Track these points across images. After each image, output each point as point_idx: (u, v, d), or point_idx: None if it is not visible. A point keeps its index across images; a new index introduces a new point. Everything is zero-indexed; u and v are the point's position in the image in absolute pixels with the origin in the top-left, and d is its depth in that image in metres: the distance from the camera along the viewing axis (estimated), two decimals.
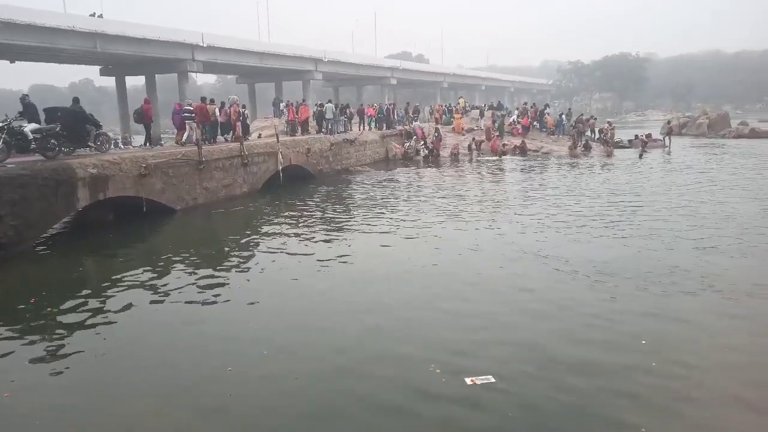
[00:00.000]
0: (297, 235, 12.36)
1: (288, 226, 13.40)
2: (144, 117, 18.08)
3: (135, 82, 66.54)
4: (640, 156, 26.59)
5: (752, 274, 8.52)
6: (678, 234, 11.09)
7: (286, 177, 19.55)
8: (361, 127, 28.66)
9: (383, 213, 14.39)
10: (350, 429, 4.97)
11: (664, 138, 31.93)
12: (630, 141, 31.82)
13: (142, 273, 9.66)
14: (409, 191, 18.05)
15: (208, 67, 48.66)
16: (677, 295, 7.77)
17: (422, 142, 28.69)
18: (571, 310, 7.33)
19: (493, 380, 5.57)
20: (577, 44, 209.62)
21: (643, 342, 6.36)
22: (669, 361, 5.90)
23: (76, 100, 14.82)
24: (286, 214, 15.08)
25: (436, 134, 29.27)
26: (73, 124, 13.88)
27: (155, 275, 9.53)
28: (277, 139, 19.81)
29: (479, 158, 27.61)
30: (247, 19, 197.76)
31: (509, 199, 16.03)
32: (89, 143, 14.47)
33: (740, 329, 6.70)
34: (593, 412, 5.03)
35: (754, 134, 36.82)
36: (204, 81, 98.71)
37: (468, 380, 5.59)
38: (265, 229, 13.33)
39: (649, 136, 32.70)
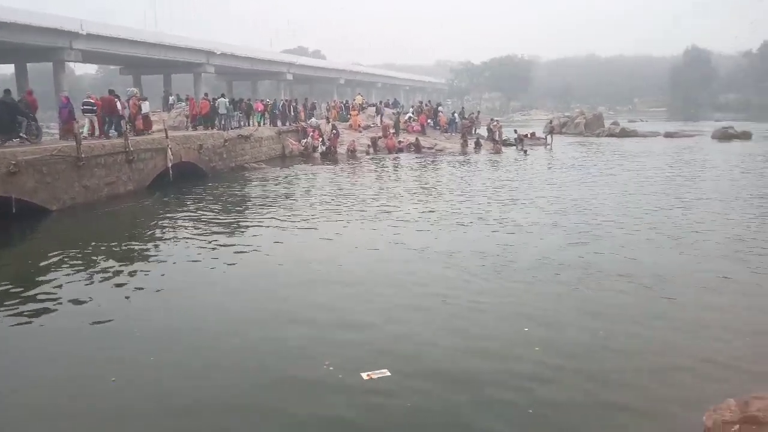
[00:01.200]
0: (185, 236, 11.85)
1: (176, 226, 12.82)
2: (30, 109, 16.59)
3: (3, 70, 60.65)
4: (525, 153, 28.19)
5: (619, 265, 9.32)
6: (556, 226, 11.90)
7: (176, 174, 18.68)
8: (251, 123, 27.92)
9: (278, 210, 14.18)
10: (243, 428, 4.87)
11: (546, 136, 34.04)
12: (515, 139, 33.61)
13: (4, 280, 8.85)
14: (304, 188, 17.93)
15: (89, 57, 45.36)
16: (555, 284, 8.32)
17: (319, 139, 28.57)
18: (459, 304, 7.62)
19: (388, 374, 5.67)
20: (468, 45, 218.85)
21: (526, 329, 6.76)
22: (552, 348, 6.31)
23: (7, 92, 14.90)
24: (175, 213, 14.42)
25: (333, 131, 29.26)
26: (4, 115, 14.10)
27: (21, 282, 8.75)
28: (166, 134, 18.87)
29: (376, 155, 27.95)
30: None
31: (404, 195, 16.38)
32: (21, 134, 14.54)
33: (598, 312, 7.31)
34: (486, 401, 5.27)
35: (624, 133, 40.34)
36: (84, 71, 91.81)
37: (365, 375, 5.66)
38: (150, 229, 12.68)
39: (532, 134, 34.79)
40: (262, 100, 32.34)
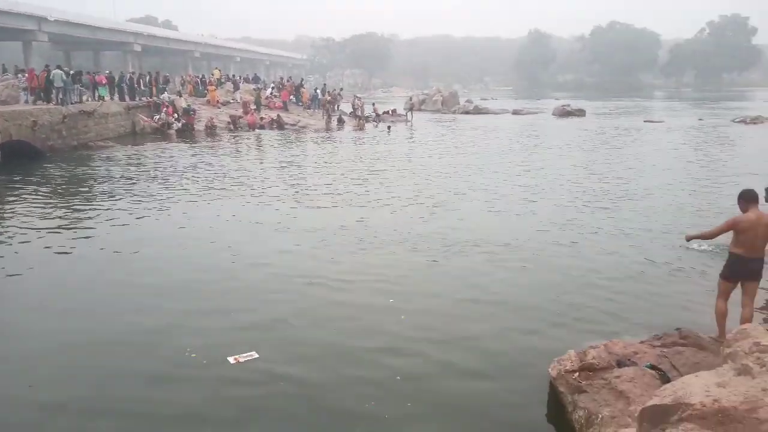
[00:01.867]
0: (13, 224, 10.58)
1: (2, 214, 11.41)
2: None
3: None
4: (389, 129, 28.78)
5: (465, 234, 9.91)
6: (417, 200, 12.36)
7: (7, 154, 16.61)
8: (94, 97, 25.40)
9: (124, 193, 13.16)
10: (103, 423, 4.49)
11: (406, 113, 35.01)
12: (378, 115, 34.18)
13: None
14: (153, 168, 16.76)
15: None
16: (414, 256, 8.65)
17: (174, 115, 26.86)
18: (326, 284, 7.64)
19: (256, 355, 5.54)
20: (328, 22, 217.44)
21: (391, 300, 6.96)
22: (414, 318, 6.55)
23: None
24: (2, 198, 12.82)
25: (189, 108, 27.64)
26: None
27: None
28: None
29: (236, 132, 26.92)
30: None
31: (266, 172, 15.99)
32: None
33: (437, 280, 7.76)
34: (357, 375, 5.35)
35: (477, 111, 42.76)
36: None
37: (231, 359, 5.48)
38: None
39: (393, 111, 35.61)
40: (107, 73, 29.53)
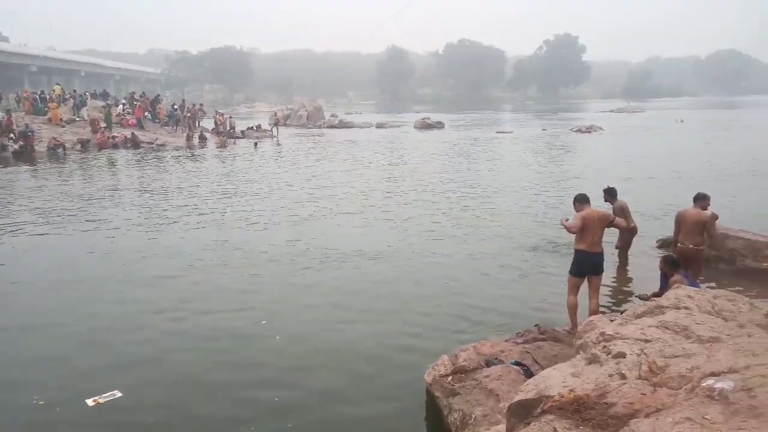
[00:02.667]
0: None
1: None
2: None
3: None
4: (255, 145, 28.14)
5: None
6: (288, 217, 12.24)
7: None
8: None
9: None
10: None
11: (272, 128, 34.55)
12: (243, 132, 33.38)
13: None
14: None
15: None
16: (289, 272, 8.56)
17: (10, 136, 24.11)
18: (198, 308, 7.31)
19: (119, 395, 5.12)
20: (184, 35, 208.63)
21: (264, 322, 6.80)
22: (288, 337, 6.46)
23: None
24: None
25: (27, 129, 24.92)
26: None
27: None
28: None
29: (85, 154, 24.77)
30: None
31: (121, 196, 14.92)
32: None
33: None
34: (230, 400, 5.13)
35: (343, 125, 43.35)
36: None
37: (90, 401, 5.01)
38: None
39: (258, 126, 35.00)
40: None
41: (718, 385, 2.49)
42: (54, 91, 33.79)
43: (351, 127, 42.80)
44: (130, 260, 9.24)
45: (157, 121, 32.24)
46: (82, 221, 11.96)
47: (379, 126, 42.97)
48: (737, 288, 7.39)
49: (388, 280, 8.28)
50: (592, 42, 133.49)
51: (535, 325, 6.19)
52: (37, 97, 31.86)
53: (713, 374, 2.63)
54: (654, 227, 10.66)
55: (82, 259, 9.36)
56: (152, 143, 27.89)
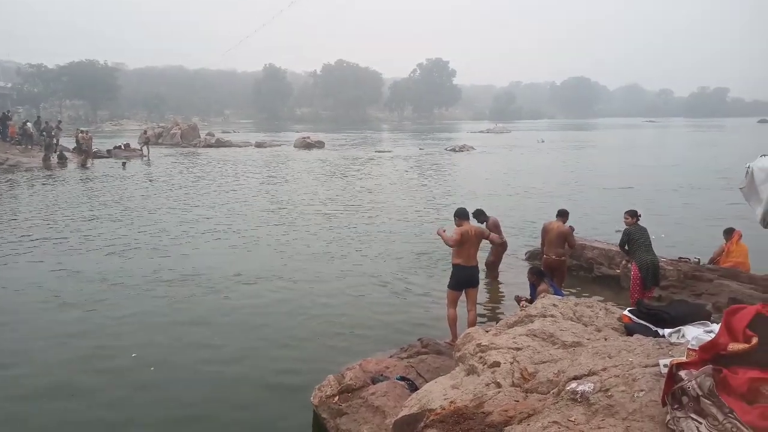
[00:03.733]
0: None
1: None
2: None
3: None
4: (124, 165, 26.35)
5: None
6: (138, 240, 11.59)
7: None
8: None
9: None
10: None
11: (141, 147, 32.62)
12: (109, 151, 31.22)
13: None
14: None
15: None
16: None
17: None
18: (66, 341, 6.67)
19: None
20: (38, 46, 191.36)
21: (134, 354, 6.36)
22: (157, 364, 6.09)
23: None
24: None
25: None
26: None
27: None
28: None
29: None
30: None
31: None
32: None
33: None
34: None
35: (220, 144, 41.99)
36: None
37: None
38: None
39: (126, 145, 32.95)
40: None
41: (580, 387, 2.72)
42: None
43: (229, 146, 41.59)
44: None
45: (8, 139, 29.21)
46: None
47: (259, 145, 42.17)
48: (595, 294, 8.14)
49: (266, 304, 8.09)
50: (462, 66, 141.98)
51: (418, 339, 6.36)
52: None
53: (576, 378, 2.86)
54: (519, 241, 11.45)
55: None
56: (2, 163, 25.19)
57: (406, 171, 25.71)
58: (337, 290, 8.67)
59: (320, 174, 24.16)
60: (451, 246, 6.57)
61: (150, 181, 21.66)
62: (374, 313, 7.78)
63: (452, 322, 6.59)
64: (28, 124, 31.44)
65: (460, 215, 6.68)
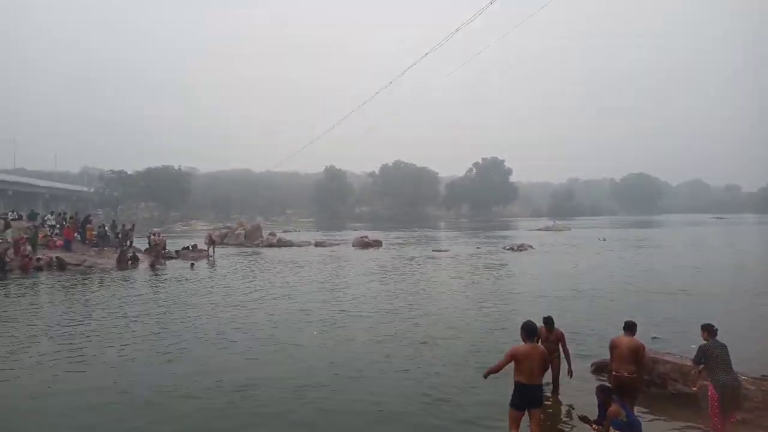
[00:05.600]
0: None
1: None
2: None
3: None
4: (192, 266, 27.44)
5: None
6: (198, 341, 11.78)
7: None
8: None
9: None
10: None
11: (208, 248, 34.05)
12: (177, 252, 32.72)
13: None
14: None
15: None
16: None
17: None
18: None
19: None
20: (119, 154, 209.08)
21: None
22: None
23: None
24: None
25: None
26: None
27: None
28: None
29: (5, 278, 23.35)
30: None
31: (30, 336, 13.98)
32: None
33: None
34: None
35: (281, 243, 43.35)
36: None
37: None
38: None
39: (194, 246, 34.46)
40: None
41: None
42: None
43: (290, 245, 42.81)
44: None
45: (87, 242, 31.19)
46: None
47: (318, 244, 43.20)
48: (670, 416, 7.56)
49: (340, 409, 7.94)
50: (517, 165, 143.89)
51: None
52: None
53: None
54: (586, 348, 10.92)
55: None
56: (80, 265, 26.78)
57: (465, 272, 25.45)
58: (384, 398, 8.42)
59: (377, 273, 24.27)
60: (495, 371, 6.41)
61: (212, 280, 22.35)
62: (424, 427, 7.47)
63: None
64: (105, 227, 33.61)
65: (526, 330, 6.50)
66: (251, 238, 45.29)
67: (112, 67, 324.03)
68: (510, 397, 6.44)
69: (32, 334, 12.99)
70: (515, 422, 6.33)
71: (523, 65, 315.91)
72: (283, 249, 40.43)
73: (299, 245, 43.10)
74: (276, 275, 24.26)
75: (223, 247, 39.20)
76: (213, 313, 15.37)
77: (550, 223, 78.57)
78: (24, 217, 34.83)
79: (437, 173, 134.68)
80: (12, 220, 32.02)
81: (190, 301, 17.55)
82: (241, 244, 43.80)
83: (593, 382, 8.06)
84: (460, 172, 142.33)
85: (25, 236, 27.76)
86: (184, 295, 18.84)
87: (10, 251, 26.00)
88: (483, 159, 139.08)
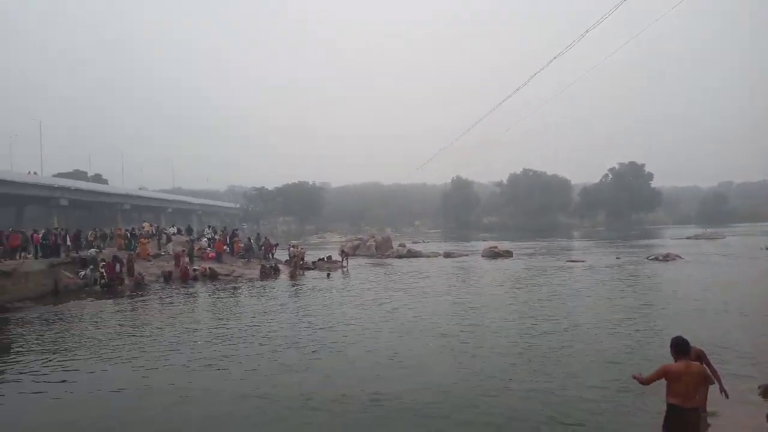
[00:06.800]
0: None
1: None
2: None
3: None
4: (328, 276, 28.73)
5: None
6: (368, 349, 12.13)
7: None
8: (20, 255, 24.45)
9: (35, 358, 12.21)
10: None
11: (342, 260, 35.43)
12: (314, 263, 34.40)
13: None
14: (74, 331, 15.73)
15: None
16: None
17: (99, 271, 25.93)
18: None
19: None
20: (260, 172, 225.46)
21: None
22: None
23: None
24: None
25: (116, 261, 26.83)
26: None
27: None
28: None
29: (167, 286, 26.11)
30: None
31: (195, 332, 15.37)
32: None
33: None
34: None
35: (411, 254, 43.92)
36: None
37: None
38: None
39: (329, 258, 36.01)
40: (21, 232, 28.42)
41: None
42: (143, 227, 36.57)
43: (419, 256, 43.21)
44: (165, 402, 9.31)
45: (234, 254, 33.88)
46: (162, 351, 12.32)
47: (447, 255, 43.15)
48: None
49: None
50: (659, 167, 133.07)
51: None
52: (128, 233, 34.51)
53: None
54: (749, 369, 9.78)
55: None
56: (229, 275, 29.12)
57: (604, 283, 24.00)
58: (524, 414, 8.13)
59: (511, 285, 23.68)
60: (644, 382, 5.92)
61: (345, 292, 23.19)
62: None
63: None
64: (251, 240, 36.31)
65: (676, 346, 5.97)
66: (382, 249, 46.40)
67: (252, 85, 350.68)
68: (662, 421, 5.94)
69: (194, 328, 14.35)
70: None
71: (669, 59, 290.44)
72: (413, 260, 40.90)
73: (428, 256, 43.34)
74: (407, 286, 24.59)
75: (354, 258, 40.54)
76: (348, 320, 15.95)
77: (700, 230, 71.74)
78: (183, 232, 38.73)
79: (569, 180, 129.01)
80: (172, 234, 35.74)
81: (327, 307, 18.37)
82: (372, 255, 45.03)
83: (763, 407, 7.19)
84: (595, 179, 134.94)
85: (184, 249, 30.81)
86: (320, 302, 19.75)
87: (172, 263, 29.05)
88: (619, 164, 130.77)
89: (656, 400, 7.11)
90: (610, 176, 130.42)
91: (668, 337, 6.36)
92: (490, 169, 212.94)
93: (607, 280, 24.87)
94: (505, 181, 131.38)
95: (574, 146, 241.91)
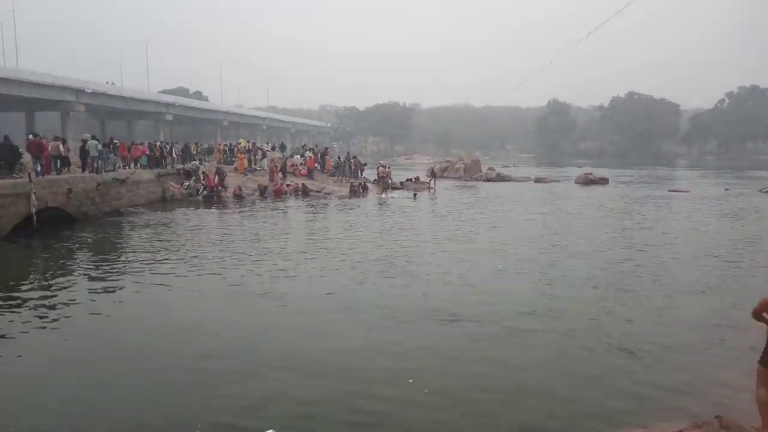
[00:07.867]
0: (43, 286, 10.83)
1: (34, 278, 11.67)
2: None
3: None
4: (415, 197, 28.98)
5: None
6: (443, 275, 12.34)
7: (44, 220, 17.20)
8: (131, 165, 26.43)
9: (149, 260, 13.38)
10: None
11: (429, 181, 35.41)
12: (402, 183, 34.64)
13: None
14: (182, 235, 17.03)
15: None
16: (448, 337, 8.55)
17: (201, 183, 27.64)
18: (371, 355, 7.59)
19: None
20: (352, 92, 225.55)
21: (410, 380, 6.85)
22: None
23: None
24: (35, 262, 13.20)
25: (217, 174, 28.42)
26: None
27: None
28: (30, 178, 17.27)
29: (263, 199, 27.45)
30: None
31: (290, 244, 16.16)
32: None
33: None
34: None
35: (500, 178, 43.08)
36: None
37: None
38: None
39: (416, 178, 36.08)
40: (141, 144, 30.54)
41: None
42: (240, 143, 38.19)
43: (509, 180, 42.32)
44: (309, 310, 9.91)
45: (325, 171, 34.76)
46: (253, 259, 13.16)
47: (538, 180, 41.93)
48: None
49: (555, 344, 7.90)
50: None
51: (716, 416, 5.48)
52: (227, 148, 36.23)
53: None
54: None
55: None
56: (319, 191, 30.06)
57: (707, 215, 22.47)
58: (622, 343, 8.01)
59: (605, 212, 22.79)
60: (755, 314, 5.51)
61: (430, 213, 23.34)
62: (664, 372, 6.94)
63: (763, 406, 5.45)
64: (341, 158, 36.99)
65: None
66: (470, 172, 45.80)
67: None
68: (760, 354, 5.63)
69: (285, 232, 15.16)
70: (766, 382, 5.53)
71: None
72: (502, 184, 40.13)
73: (518, 180, 42.31)
74: (491, 209, 24.32)
75: (442, 180, 40.38)
76: (431, 240, 16.15)
77: None
78: (276, 148, 40.10)
79: (678, 105, 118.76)
80: (267, 150, 37.08)
81: (412, 228, 18.66)
82: (460, 178, 44.61)
83: None
84: (709, 104, 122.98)
85: (277, 165, 31.98)
86: (405, 222, 20.06)
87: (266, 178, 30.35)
88: (739, 88, 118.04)
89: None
90: (727, 101, 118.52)
91: None
92: (591, 90, 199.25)
93: (713, 212, 23.28)
94: (606, 105, 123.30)
95: (688, 67, 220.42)
